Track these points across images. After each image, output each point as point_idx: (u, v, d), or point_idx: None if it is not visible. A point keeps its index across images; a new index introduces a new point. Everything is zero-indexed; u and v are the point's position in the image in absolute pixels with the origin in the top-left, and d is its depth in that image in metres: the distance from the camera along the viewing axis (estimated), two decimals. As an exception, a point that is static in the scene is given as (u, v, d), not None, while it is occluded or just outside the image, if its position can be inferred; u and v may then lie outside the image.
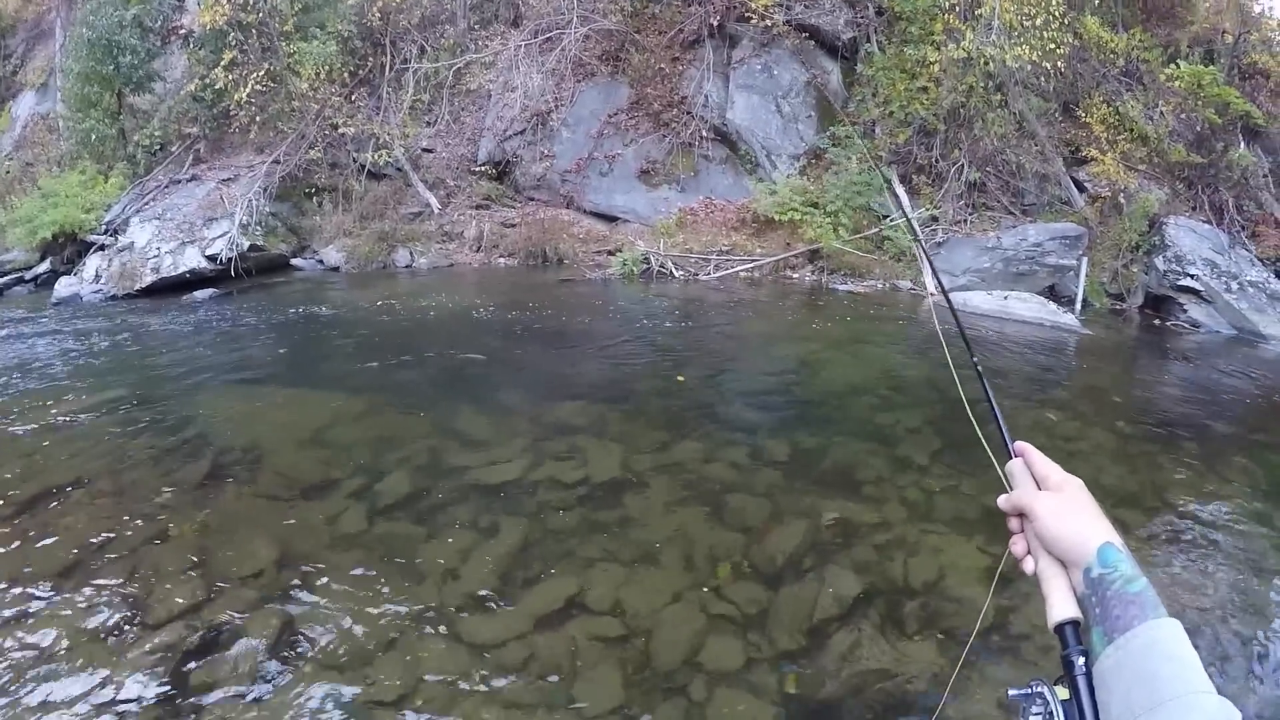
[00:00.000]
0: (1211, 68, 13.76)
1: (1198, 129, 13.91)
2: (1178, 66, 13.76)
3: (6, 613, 4.01)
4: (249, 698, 3.51)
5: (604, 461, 5.77)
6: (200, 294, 12.37)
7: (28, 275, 14.72)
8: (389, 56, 16.76)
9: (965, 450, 5.92)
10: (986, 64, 13.00)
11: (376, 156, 15.33)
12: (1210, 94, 13.33)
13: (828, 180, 14.05)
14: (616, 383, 7.99)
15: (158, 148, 16.25)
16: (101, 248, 14.02)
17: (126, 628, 3.92)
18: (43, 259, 14.90)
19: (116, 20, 15.19)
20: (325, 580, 4.34)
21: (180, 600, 4.10)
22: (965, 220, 13.66)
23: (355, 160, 15.61)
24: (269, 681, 3.60)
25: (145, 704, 3.45)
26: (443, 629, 3.96)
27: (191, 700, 3.49)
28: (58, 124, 18.24)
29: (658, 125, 15.55)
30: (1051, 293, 12.68)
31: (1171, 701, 0.81)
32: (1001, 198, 14.02)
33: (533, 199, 15.96)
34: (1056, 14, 12.75)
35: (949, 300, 1.70)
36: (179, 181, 15.55)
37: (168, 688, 3.54)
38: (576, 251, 14.37)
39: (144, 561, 4.47)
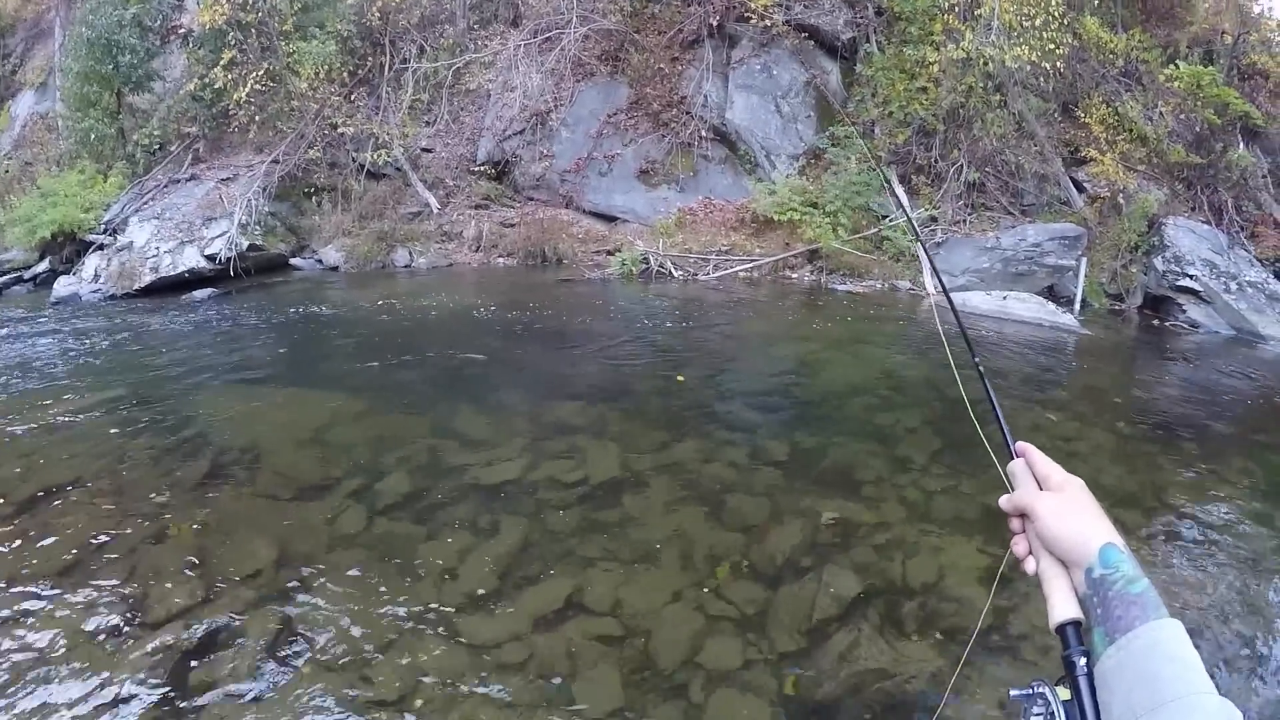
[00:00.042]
0: (1211, 68, 13.77)
1: (1197, 129, 13.91)
2: (1177, 67, 13.77)
3: (5, 612, 4.01)
4: (248, 697, 3.51)
5: (603, 461, 5.77)
6: (199, 294, 12.36)
7: (27, 275, 14.72)
8: (388, 56, 16.75)
9: (964, 450, 5.92)
10: (986, 64, 13.01)
11: (376, 156, 15.32)
12: (1209, 94, 13.34)
13: (827, 180, 14.06)
14: (616, 382, 7.98)
15: (157, 147, 16.24)
16: (100, 247, 14.02)
17: (125, 628, 3.92)
18: (42, 258, 14.90)
19: (116, 19, 15.18)
20: (324, 580, 4.33)
21: (179, 600, 4.09)
22: (964, 220, 13.67)
23: (354, 160, 15.60)
24: (268, 681, 3.60)
25: (144, 704, 3.45)
26: (442, 629, 3.96)
27: (190, 700, 3.48)
28: (57, 123, 18.24)
29: (657, 125, 15.56)
30: (1050, 293, 12.68)
31: (1173, 702, 0.81)
32: (1000, 198, 14.03)
33: (532, 199, 15.96)
34: (1056, 14, 12.76)
35: (950, 301, 1.69)
36: (178, 181, 15.55)
37: (166, 688, 3.53)
38: (575, 251, 14.37)
39: (143, 561, 4.47)
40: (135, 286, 12.73)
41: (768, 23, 14.74)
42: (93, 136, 15.90)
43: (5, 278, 14.59)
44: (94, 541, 4.64)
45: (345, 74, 16.15)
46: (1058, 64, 13.02)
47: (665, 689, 3.63)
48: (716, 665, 3.75)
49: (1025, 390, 8.28)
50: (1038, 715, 0.94)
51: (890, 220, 13.61)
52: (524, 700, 3.52)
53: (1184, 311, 12.36)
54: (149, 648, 3.75)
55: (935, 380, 7.86)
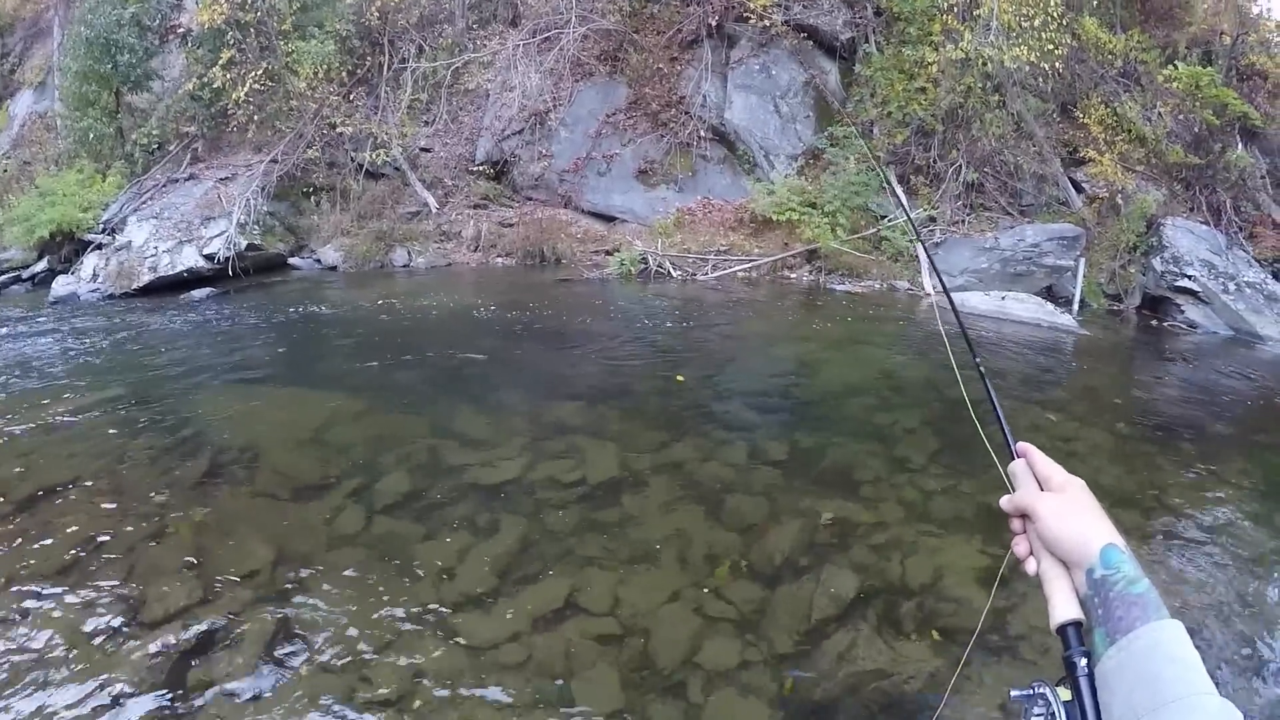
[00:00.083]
0: (1209, 69, 13.79)
1: (1195, 130, 13.93)
2: (1176, 67, 13.78)
3: (3, 612, 4.00)
4: (246, 697, 3.51)
5: (602, 461, 5.77)
6: (198, 293, 12.35)
7: (25, 274, 14.70)
8: (387, 56, 16.74)
9: (963, 451, 5.93)
10: (984, 65, 13.02)
11: (374, 156, 15.31)
12: (1208, 95, 13.35)
13: (825, 180, 14.06)
14: (615, 382, 7.98)
15: (155, 146, 16.21)
16: (99, 246, 14.00)
17: (123, 627, 3.91)
18: (40, 258, 14.88)
19: (115, 19, 15.15)
20: (323, 580, 4.33)
21: (177, 599, 4.09)
22: (963, 221, 13.68)
23: (353, 159, 15.59)
24: (266, 681, 3.60)
25: (142, 703, 3.44)
26: (440, 629, 3.96)
27: (188, 700, 3.48)
28: (55, 123, 18.20)
29: (656, 125, 15.55)
30: (1049, 293, 12.69)
31: (1174, 703, 0.81)
32: (999, 198, 14.03)
33: (530, 199, 15.95)
34: (1054, 15, 12.76)
35: (951, 301, 1.69)
36: (177, 180, 15.52)
37: (164, 687, 3.53)
38: (574, 251, 14.37)
39: (141, 561, 4.46)
40: (133, 286, 12.71)
41: (767, 23, 14.74)
42: (91, 136, 15.87)
43: (3, 277, 14.57)
44: (92, 541, 4.64)
45: (344, 74, 16.13)
46: (1056, 64, 13.02)
47: (663, 689, 3.63)
48: (715, 665, 3.75)
49: (1024, 390, 8.29)
50: (1038, 716, 0.94)
51: (889, 220, 13.61)
52: (522, 700, 3.53)
53: (1182, 312, 12.37)
54: (147, 647, 3.75)
55: (934, 380, 7.87)
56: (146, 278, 12.82)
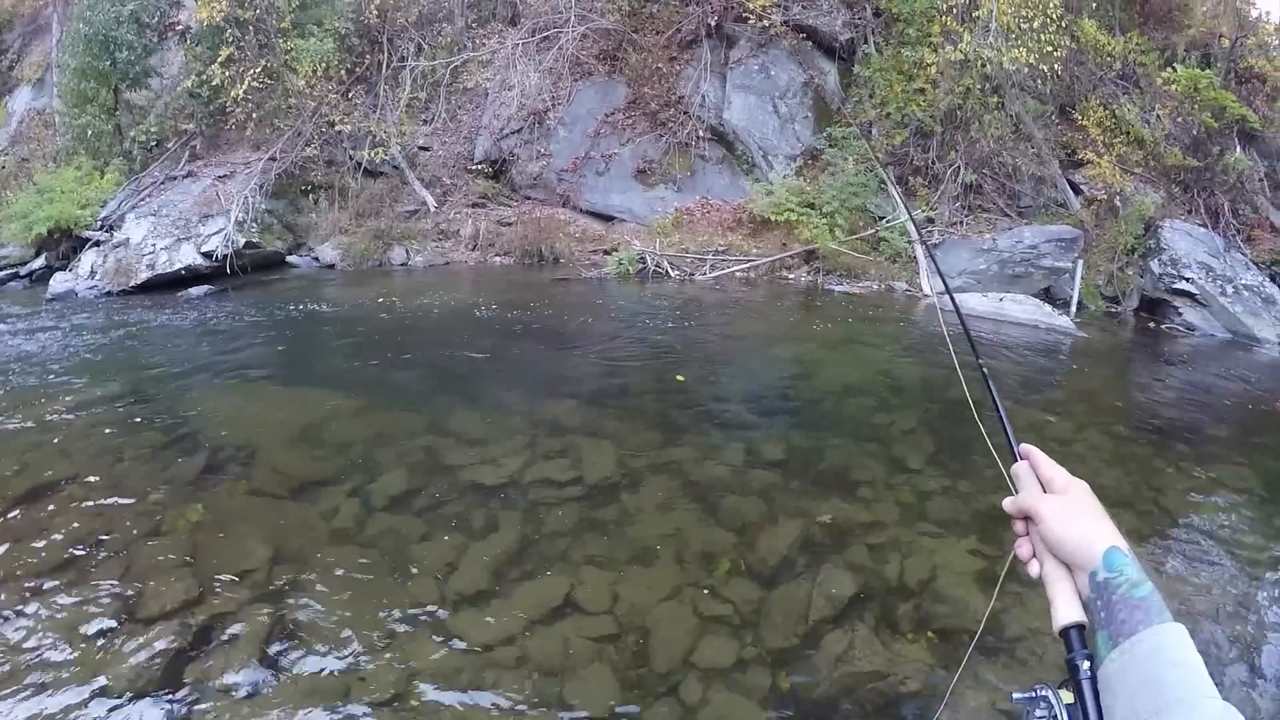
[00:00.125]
0: (1208, 71, 13.82)
1: (1194, 132, 13.96)
2: (1174, 70, 13.81)
3: (-2, 610, 4.00)
4: (241, 694, 3.50)
5: (600, 460, 5.76)
6: (196, 291, 12.33)
7: (23, 271, 14.65)
8: (386, 54, 16.72)
9: (960, 452, 5.93)
10: (983, 66, 13.02)
11: (373, 154, 15.29)
12: (1207, 98, 13.37)
13: (824, 181, 14.06)
14: (612, 382, 7.98)
15: (154, 144, 16.18)
16: (97, 244, 13.96)
17: (120, 624, 3.90)
18: (38, 255, 14.83)
19: (113, 16, 15.12)
20: (319, 579, 4.33)
21: (174, 597, 4.08)
22: (961, 222, 13.68)
23: (351, 158, 15.57)
24: (261, 679, 3.59)
25: (137, 701, 3.44)
26: (437, 628, 3.95)
27: (184, 697, 3.48)
28: (54, 119, 18.16)
29: (655, 125, 15.55)
30: (1047, 295, 12.71)
31: (1176, 706, 0.81)
32: (997, 200, 14.04)
33: (529, 198, 15.93)
34: (1054, 17, 12.77)
35: (955, 302, 1.69)
36: (175, 178, 15.49)
37: (160, 685, 3.53)
38: (572, 250, 14.35)
39: (138, 558, 4.46)
40: (131, 283, 12.69)
41: (766, 23, 14.74)
42: (90, 133, 15.84)
43: (1, 274, 14.53)
44: (89, 538, 4.63)
45: (343, 72, 16.11)
46: (1055, 66, 13.03)
47: (660, 688, 3.63)
48: (711, 665, 3.75)
49: (1021, 392, 8.29)
50: (1041, 718, 0.94)
51: (888, 221, 13.62)
52: (519, 698, 3.52)
53: (1180, 314, 12.40)
54: (143, 645, 3.74)
55: (932, 381, 7.88)
56: (144, 275, 12.79)
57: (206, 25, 15.01)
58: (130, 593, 4.14)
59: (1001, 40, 12.81)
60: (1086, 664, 0.93)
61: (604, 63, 16.33)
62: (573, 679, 3.65)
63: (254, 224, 14.00)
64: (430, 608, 4.10)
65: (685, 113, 15.35)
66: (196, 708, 3.43)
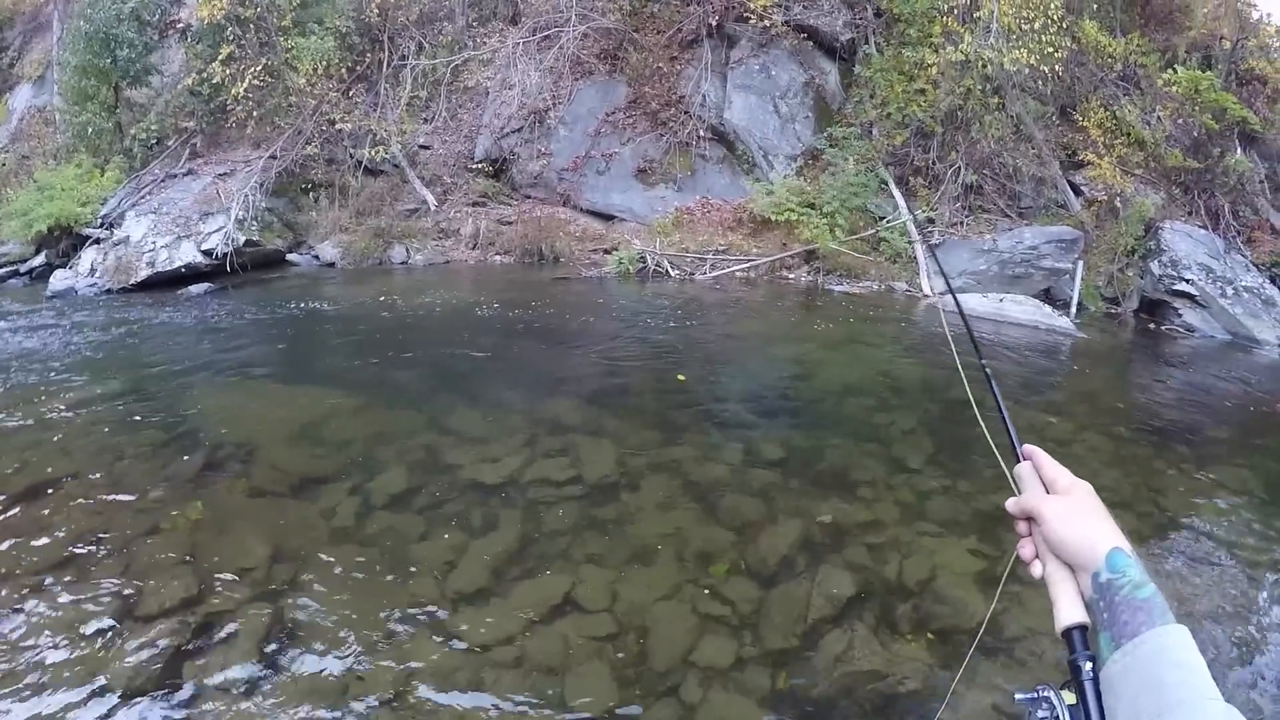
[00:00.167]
0: (1209, 73, 13.83)
1: (1194, 134, 13.96)
2: (1175, 71, 13.81)
3: (-2, 607, 4.00)
4: (240, 692, 3.50)
5: (600, 459, 5.76)
6: (196, 289, 12.33)
7: (23, 268, 14.63)
8: (387, 53, 16.71)
9: (960, 452, 5.94)
10: (984, 67, 13.03)
11: (373, 153, 15.29)
12: (1207, 99, 13.38)
13: (824, 181, 14.06)
14: (612, 381, 7.97)
15: (154, 142, 16.17)
16: (97, 241, 13.95)
17: (119, 622, 3.90)
18: (38, 252, 14.82)
19: (114, 13, 15.12)
20: (319, 577, 4.32)
21: (173, 595, 4.08)
22: (961, 223, 13.68)
23: (352, 156, 15.57)
24: (261, 677, 3.59)
25: (137, 699, 3.44)
26: (436, 626, 3.95)
27: (183, 695, 3.48)
28: (54, 117, 18.16)
29: (655, 124, 15.54)
30: (1047, 296, 12.71)
31: (1178, 707, 0.81)
32: (998, 200, 14.04)
33: (529, 197, 15.93)
34: (1055, 18, 12.78)
35: (958, 303, 1.69)
36: (175, 176, 15.49)
37: (159, 683, 3.52)
38: (572, 250, 14.35)
39: (138, 556, 4.45)
40: (131, 281, 12.69)
41: (767, 23, 14.74)
42: (90, 130, 15.84)
43: (1, 271, 14.52)
44: (89, 536, 4.63)
45: (343, 70, 16.11)
46: (1056, 67, 13.04)
47: (659, 688, 3.63)
48: (711, 664, 3.75)
49: (1021, 393, 8.29)
50: (1043, 719, 0.94)
51: (888, 221, 13.62)
52: (517, 697, 3.52)
53: (1180, 316, 12.40)
54: (143, 642, 3.74)
55: (931, 382, 7.88)
56: (144, 273, 12.79)
57: (207, 23, 15.03)
58: (130, 591, 4.14)
59: (1002, 41, 12.81)
60: (1089, 665, 0.93)
61: (605, 62, 16.32)
62: (572, 678, 3.65)
63: (254, 222, 14.00)
64: (430, 606, 4.09)
65: (686, 112, 15.35)
66: (195, 706, 3.43)
